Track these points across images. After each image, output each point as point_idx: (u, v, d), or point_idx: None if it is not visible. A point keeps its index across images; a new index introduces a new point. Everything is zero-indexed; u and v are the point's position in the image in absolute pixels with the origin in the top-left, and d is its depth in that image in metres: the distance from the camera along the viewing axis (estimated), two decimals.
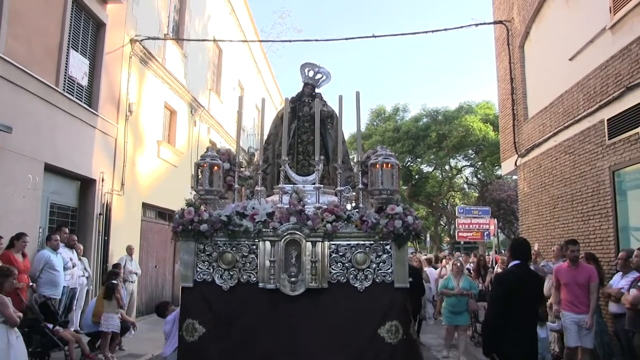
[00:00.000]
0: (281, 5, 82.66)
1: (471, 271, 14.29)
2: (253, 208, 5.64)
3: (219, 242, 5.61)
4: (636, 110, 8.06)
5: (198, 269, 5.59)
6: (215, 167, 5.81)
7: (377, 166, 5.54)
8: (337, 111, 6.63)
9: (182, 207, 5.63)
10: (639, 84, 7.87)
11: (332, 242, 5.51)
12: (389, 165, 5.57)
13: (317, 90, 7.23)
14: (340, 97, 6.17)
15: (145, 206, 14.26)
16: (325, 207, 5.59)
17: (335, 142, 6.71)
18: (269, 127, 7.37)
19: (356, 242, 5.51)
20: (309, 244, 5.48)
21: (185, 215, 5.52)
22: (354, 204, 6.13)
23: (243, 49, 24.73)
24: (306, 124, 7.03)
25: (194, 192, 5.93)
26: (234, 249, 5.59)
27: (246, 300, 5.46)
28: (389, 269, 5.42)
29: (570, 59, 10.31)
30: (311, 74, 7.15)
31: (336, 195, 6.09)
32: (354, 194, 6.20)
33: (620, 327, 7.14)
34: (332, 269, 5.46)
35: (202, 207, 5.67)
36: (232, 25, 22.65)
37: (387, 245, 5.46)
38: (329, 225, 5.43)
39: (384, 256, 5.45)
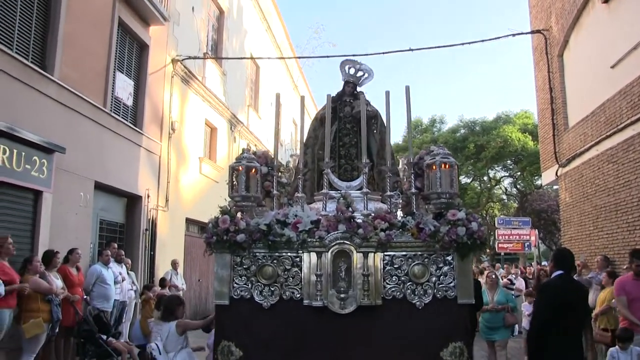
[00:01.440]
0: (316, 21, 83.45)
1: (512, 284, 14.14)
2: (296, 216, 5.10)
3: (257, 254, 5.07)
4: None
5: (235, 285, 5.04)
6: (253, 171, 5.27)
7: (434, 167, 5.03)
8: (381, 111, 6.19)
9: (216, 215, 5.09)
10: None
11: (386, 253, 4.96)
12: (448, 166, 5.05)
13: (359, 89, 6.63)
14: (388, 93, 5.59)
15: (189, 221, 14.59)
16: (374, 214, 5.07)
17: (381, 144, 6.31)
18: (307, 130, 6.76)
19: (413, 253, 4.96)
20: (360, 255, 4.91)
21: (219, 224, 4.96)
22: (400, 212, 5.57)
23: (279, 65, 25.11)
24: (348, 126, 6.45)
25: (228, 199, 5.36)
26: (274, 261, 5.04)
27: (289, 320, 4.92)
28: (451, 282, 4.88)
29: (612, 67, 10.23)
30: (352, 71, 6.59)
31: (383, 202, 5.65)
32: (401, 201, 5.70)
33: None
34: (387, 283, 4.92)
35: (239, 215, 5.14)
36: (268, 42, 23.08)
37: (449, 256, 4.91)
38: (382, 234, 4.85)
39: (445, 268, 4.91)
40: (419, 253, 4.92)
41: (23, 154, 7.96)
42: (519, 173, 34.27)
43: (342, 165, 6.34)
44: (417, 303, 4.83)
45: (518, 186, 36.36)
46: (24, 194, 8.24)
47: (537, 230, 26.45)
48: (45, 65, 8.76)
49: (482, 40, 13.54)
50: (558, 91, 13.35)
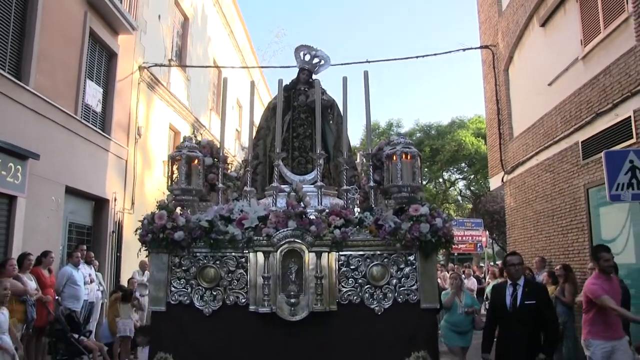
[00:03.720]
0: (277, 25, 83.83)
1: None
2: (241, 211, 4.56)
3: (198, 255, 4.54)
4: (606, 134, 8.90)
5: (172, 289, 4.48)
6: (195, 161, 4.77)
7: (395, 158, 4.58)
8: (338, 100, 5.75)
9: (153, 211, 4.56)
10: (607, 110, 8.71)
11: (341, 253, 4.48)
12: (410, 157, 4.61)
13: (314, 77, 6.09)
14: (345, 79, 5.09)
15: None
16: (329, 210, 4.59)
17: (337, 136, 5.81)
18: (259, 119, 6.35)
19: (372, 253, 4.48)
20: (312, 256, 4.40)
21: (155, 220, 4.40)
22: (358, 209, 5.13)
23: (241, 69, 25.59)
24: (302, 115, 5.95)
25: (167, 193, 4.89)
26: (217, 262, 4.51)
27: (233, 328, 4.42)
28: (413, 285, 4.44)
29: (549, 84, 11.17)
30: (307, 57, 6.08)
31: (339, 197, 5.19)
32: (358, 196, 5.33)
33: None
34: (343, 286, 4.44)
35: (178, 211, 4.61)
36: (231, 47, 23.55)
37: (411, 256, 4.47)
38: (337, 231, 4.37)
39: (407, 269, 4.47)
40: (378, 252, 4.49)
41: (0, 160, 8.37)
42: (472, 176, 35.54)
43: (295, 157, 5.88)
44: (376, 308, 4.41)
45: (472, 188, 37.67)
46: None
47: (487, 232, 27.70)
48: (21, 75, 9.13)
49: (436, 54, 14.50)
50: (504, 103, 14.31)
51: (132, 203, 13.36)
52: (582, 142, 9.74)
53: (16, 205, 8.87)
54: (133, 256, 12.89)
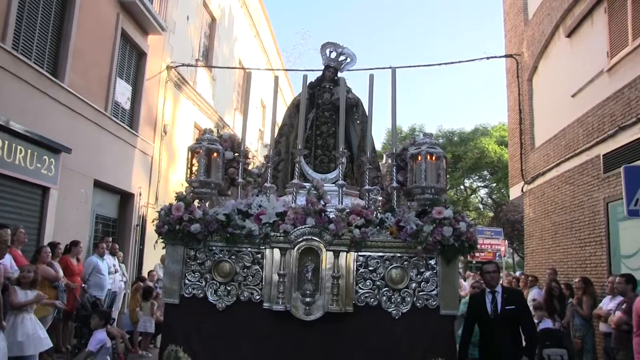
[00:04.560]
0: (302, 27, 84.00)
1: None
2: (259, 206, 4.48)
3: (214, 248, 4.47)
4: (628, 148, 8.93)
5: (187, 281, 4.44)
6: (214, 154, 4.68)
7: (420, 158, 4.43)
8: (362, 99, 5.73)
9: (167, 201, 4.55)
10: (631, 124, 8.74)
11: (359, 253, 4.34)
12: (435, 157, 4.46)
13: (339, 75, 5.99)
14: (372, 77, 4.99)
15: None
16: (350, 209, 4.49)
17: (362, 135, 5.70)
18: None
19: (391, 254, 4.34)
20: (330, 254, 4.26)
21: (172, 211, 4.37)
22: (380, 210, 4.92)
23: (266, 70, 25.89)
24: (326, 114, 5.87)
25: (184, 184, 4.86)
26: (233, 257, 4.44)
27: (246, 324, 4.35)
28: (433, 290, 4.29)
29: (572, 96, 11.18)
30: (333, 55, 5.99)
31: (361, 197, 5.06)
32: (380, 198, 5.18)
33: (608, 344, 7.85)
34: (360, 287, 4.31)
35: (195, 203, 4.54)
36: (257, 48, 23.85)
37: (432, 260, 4.32)
38: (356, 231, 4.25)
39: (428, 273, 4.31)
40: (398, 255, 4.34)
41: (36, 153, 8.75)
42: (494, 184, 35.43)
43: (318, 155, 5.79)
44: (394, 312, 4.26)
45: (493, 196, 37.53)
46: (34, 190, 9.01)
47: (507, 241, 27.62)
48: (57, 73, 9.53)
49: (460, 62, 14.72)
50: (527, 113, 14.34)
51: (156, 198, 13.68)
52: (603, 155, 9.77)
53: (49, 197, 9.27)
54: (156, 250, 13.28)
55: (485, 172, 34.82)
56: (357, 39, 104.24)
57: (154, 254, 13.20)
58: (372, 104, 5.10)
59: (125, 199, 12.61)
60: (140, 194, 12.86)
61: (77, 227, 10.19)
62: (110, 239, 11.04)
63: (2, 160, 8.05)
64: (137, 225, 12.78)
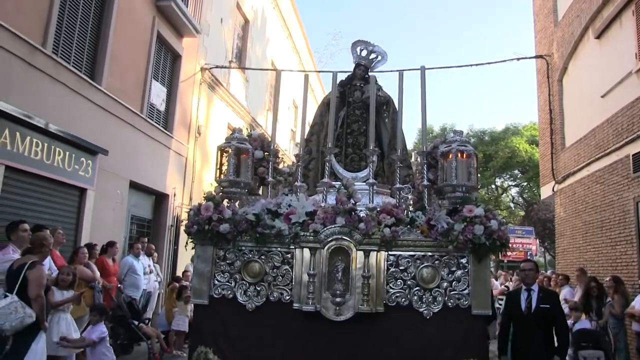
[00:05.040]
0: (334, 28, 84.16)
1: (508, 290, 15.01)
2: (289, 206, 4.46)
3: (243, 248, 4.46)
4: None
5: (216, 282, 4.44)
6: (244, 154, 4.65)
7: (450, 156, 4.40)
8: (393, 97, 5.68)
9: (200, 202, 4.52)
10: None
11: (390, 253, 4.31)
12: (465, 155, 4.43)
13: (370, 73, 5.93)
14: (401, 74, 5.00)
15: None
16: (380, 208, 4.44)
17: (392, 133, 5.62)
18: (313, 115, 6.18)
19: (422, 254, 4.30)
20: (360, 254, 4.23)
21: (202, 211, 4.36)
22: (411, 209, 4.84)
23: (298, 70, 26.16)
24: (357, 112, 5.83)
25: (214, 184, 4.81)
26: (262, 257, 4.43)
27: (276, 325, 4.32)
28: (464, 289, 4.24)
29: (602, 96, 11.18)
30: (364, 53, 5.99)
31: (392, 196, 5.05)
32: (411, 196, 5.12)
33: None
34: (391, 287, 4.28)
35: (225, 203, 4.54)
36: (289, 49, 24.12)
37: (463, 259, 4.27)
38: (386, 230, 4.22)
39: (459, 273, 4.27)
40: (429, 254, 4.31)
41: (73, 155, 9.07)
42: (525, 183, 35.13)
43: (349, 154, 5.73)
44: (425, 312, 4.22)
45: (524, 195, 37.19)
46: (71, 191, 9.33)
47: (538, 240, 27.40)
48: (94, 75, 9.86)
49: (490, 63, 14.70)
50: (557, 113, 14.30)
51: (190, 199, 14.02)
52: (633, 155, 9.76)
53: (86, 198, 9.58)
54: (189, 250, 13.63)
55: (516, 171, 34.60)
56: (387, 39, 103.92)
57: (188, 254, 13.46)
58: (402, 102, 5.06)
59: (160, 199, 12.97)
60: (174, 195, 13.21)
61: (113, 228, 10.54)
62: (146, 239, 11.37)
63: (42, 162, 8.33)
64: (171, 225, 13.12)
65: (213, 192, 4.63)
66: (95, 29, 9.95)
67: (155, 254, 11.74)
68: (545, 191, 15.89)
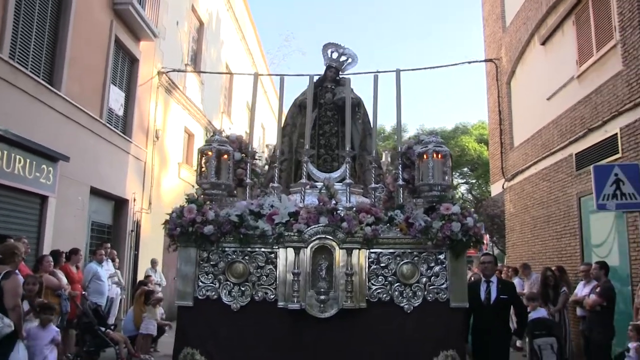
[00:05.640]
0: (286, 29, 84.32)
1: None
2: (272, 206, 4.55)
3: (227, 249, 4.54)
4: (596, 148, 9.53)
5: (200, 284, 4.51)
6: (224, 156, 4.75)
7: (426, 156, 4.61)
8: (363, 98, 5.93)
9: (182, 204, 4.58)
10: (598, 127, 9.35)
11: (371, 250, 4.49)
12: (441, 156, 4.66)
13: (345, 76, 6.14)
14: (376, 77, 5.24)
15: (167, 222, 15.68)
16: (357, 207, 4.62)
17: (364, 134, 5.91)
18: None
19: (402, 251, 4.49)
20: (343, 252, 4.39)
21: (185, 214, 4.41)
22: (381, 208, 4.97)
23: (250, 72, 26.25)
24: (329, 113, 5.95)
25: (196, 188, 4.91)
26: (246, 258, 4.52)
27: (261, 324, 4.43)
28: (443, 284, 4.45)
29: (547, 99, 11.78)
30: (335, 55, 6.08)
31: (365, 195, 5.28)
32: (381, 195, 5.31)
33: (585, 326, 8.29)
34: (372, 284, 4.46)
35: (207, 205, 4.59)
36: (242, 50, 24.24)
37: (441, 255, 4.49)
38: (368, 229, 4.39)
39: (437, 268, 4.48)
40: (409, 251, 4.50)
41: (34, 162, 9.04)
42: (474, 180, 36.12)
43: (321, 155, 5.87)
44: (406, 306, 4.42)
45: (473, 192, 38.22)
46: (33, 199, 9.31)
47: (488, 235, 28.26)
48: (53, 81, 9.81)
49: (441, 66, 15.31)
50: (506, 114, 14.94)
51: (150, 203, 14.06)
52: (575, 154, 10.35)
53: (47, 205, 9.56)
54: (150, 254, 13.67)
55: (466, 169, 35.46)
56: (338, 38, 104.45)
57: (148, 258, 13.58)
58: (377, 104, 5.27)
59: (120, 205, 12.96)
60: (134, 200, 13.22)
61: (75, 235, 10.52)
62: (109, 245, 11.35)
63: (1, 170, 8.24)
64: (131, 230, 13.13)
65: (195, 194, 4.71)
66: (52, 33, 9.91)
67: (117, 260, 11.73)
68: (496, 188, 16.55)
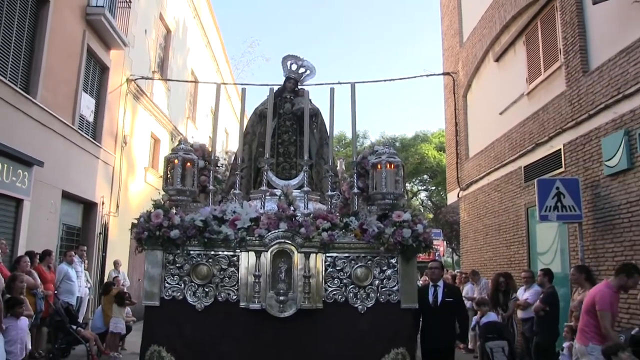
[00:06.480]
0: (251, 35, 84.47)
1: None
2: (234, 212, 4.82)
3: (192, 253, 4.80)
4: (542, 162, 10.29)
5: (166, 285, 4.74)
6: (189, 164, 5.01)
7: (379, 167, 4.90)
8: (322, 109, 6.25)
9: (149, 209, 4.83)
10: (544, 142, 10.12)
11: (328, 255, 4.78)
12: (393, 166, 4.94)
13: (300, 86, 6.47)
14: (332, 90, 5.49)
15: (134, 226, 15.94)
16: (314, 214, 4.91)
17: (320, 143, 6.23)
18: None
19: (356, 255, 4.79)
20: (301, 256, 4.70)
21: (152, 219, 4.67)
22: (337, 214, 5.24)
23: (215, 78, 26.56)
24: (287, 123, 6.22)
25: (162, 193, 5.16)
26: (210, 260, 4.78)
27: (224, 323, 4.69)
28: (394, 286, 4.76)
29: (500, 113, 12.55)
30: (294, 67, 6.38)
31: (322, 202, 5.59)
32: (338, 202, 5.60)
33: (527, 328, 8.82)
34: (328, 285, 4.75)
35: (173, 210, 4.87)
36: (208, 57, 24.54)
37: (393, 259, 4.79)
38: (324, 234, 4.68)
39: (389, 271, 4.78)
40: (362, 255, 4.78)
41: (11, 167, 9.33)
42: (434, 187, 37.13)
43: (280, 163, 6.12)
44: (360, 307, 4.70)
45: (433, 199, 39.26)
46: (8, 202, 9.61)
47: (445, 242, 29.27)
48: (29, 89, 10.13)
49: (402, 78, 16.05)
50: (462, 126, 15.71)
51: (117, 207, 14.32)
52: (524, 167, 11.09)
53: (22, 208, 9.86)
54: (117, 256, 13.96)
55: (425, 176, 36.42)
56: (303, 50, 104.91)
57: (114, 260, 13.85)
58: (333, 116, 5.63)
59: (89, 208, 13.24)
60: (102, 203, 13.50)
61: (47, 237, 10.82)
62: (85, 247, 11.64)
63: None
64: (100, 233, 13.41)
65: (161, 200, 4.98)
66: (29, 44, 10.23)
67: (86, 261, 12.01)
68: (452, 197, 17.32)
